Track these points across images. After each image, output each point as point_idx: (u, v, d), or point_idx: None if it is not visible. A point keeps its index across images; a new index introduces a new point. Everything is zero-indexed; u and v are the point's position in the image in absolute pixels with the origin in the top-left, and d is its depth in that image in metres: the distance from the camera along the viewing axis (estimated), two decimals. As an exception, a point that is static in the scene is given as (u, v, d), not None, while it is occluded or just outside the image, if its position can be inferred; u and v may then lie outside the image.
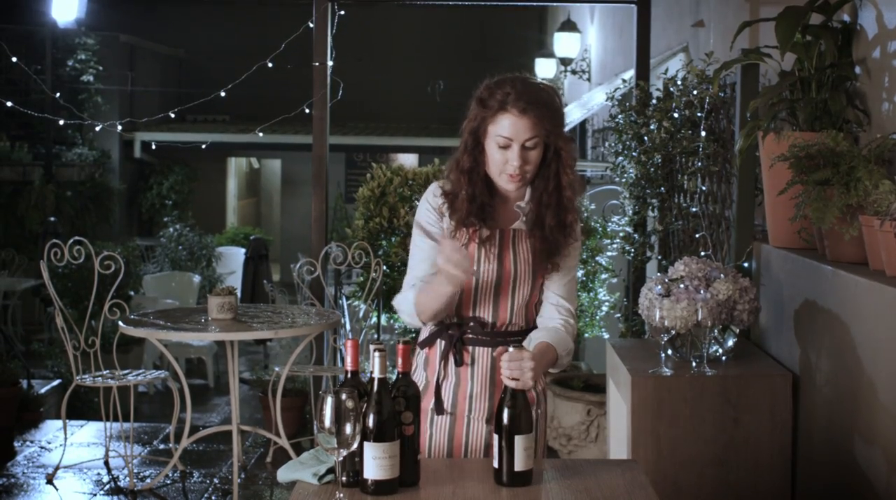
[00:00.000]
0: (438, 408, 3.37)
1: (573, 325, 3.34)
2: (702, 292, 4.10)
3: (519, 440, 2.84)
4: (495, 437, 2.88)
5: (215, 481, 6.76)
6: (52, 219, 15.61)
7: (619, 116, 6.49)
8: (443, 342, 3.38)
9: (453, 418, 3.36)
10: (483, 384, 3.35)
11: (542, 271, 3.34)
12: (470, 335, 3.35)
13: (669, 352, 4.27)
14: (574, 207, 3.32)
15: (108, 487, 6.61)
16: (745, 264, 4.83)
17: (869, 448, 3.43)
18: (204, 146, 11.80)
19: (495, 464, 2.88)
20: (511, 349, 2.94)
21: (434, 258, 3.23)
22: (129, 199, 19.77)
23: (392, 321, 8.25)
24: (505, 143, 3.20)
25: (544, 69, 16.00)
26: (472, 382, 3.35)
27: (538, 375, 3.01)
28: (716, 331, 4.23)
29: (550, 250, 3.31)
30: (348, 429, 2.61)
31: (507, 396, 2.88)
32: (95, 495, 6.46)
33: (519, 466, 2.85)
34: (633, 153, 6.32)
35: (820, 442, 3.91)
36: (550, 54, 15.37)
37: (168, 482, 6.71)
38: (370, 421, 2.71)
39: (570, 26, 14.11)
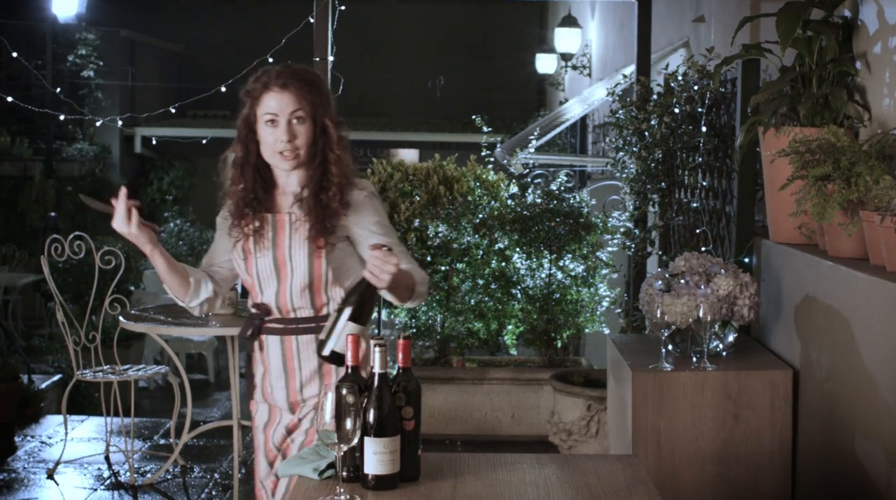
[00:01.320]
0: (250, 392, 3.58)
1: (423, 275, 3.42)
2: (702, 287, 4.10)
3: (347, 322, 3.05)
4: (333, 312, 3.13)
5: (216, 476, 6.76)
6: (53, 214, 15.60)
7: (620, 112, 6.48)
8: (250, 330, 3.51)
9: (267, 407, 3.55)
10: (277, 373, 3.48)
11: (318, 251, 3.38)
12: (267, 324, 3.48)
13: (670, 347, 4.27)
14: (342, 181, 3.40)
15: (108, 482, 6.61)
16: (746, 260, 4.83)
17: (869, 444, 3.43)
18: (204, 141, 11.81)
19: (321, 335, 3.11)
20: (385, 249, 3.07)
21: (215, 250, 3.61)
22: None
23: (392, 316, 8.25)
24: (272, 118, 3.35)
25: (545, 65, 15.99)
26: (270, 369, 3.50)
27: (394, 283, 3.11)
28: (716, 326, 4.23)
29: (326, 224, 3.38)
30: (349, 424, 2.61)
31: (360, 287, 3.08)
32: (96, 489, 6.46)
33: (336, 346, 3.06)
34: (634, 149, 6.32)
35: (820, 438, 3.91)
36: (551, 50, 15.35)
37: (169, 477, 6.71)
38: (370, 416, 2.71)
39: (570, 21, 14.09)
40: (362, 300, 3.08)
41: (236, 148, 3.45)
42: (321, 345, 3.09)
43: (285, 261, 3.41)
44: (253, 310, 3.53)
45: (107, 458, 7.02)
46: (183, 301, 3.53)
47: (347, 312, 3.07)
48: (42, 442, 7.50)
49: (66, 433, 7.01)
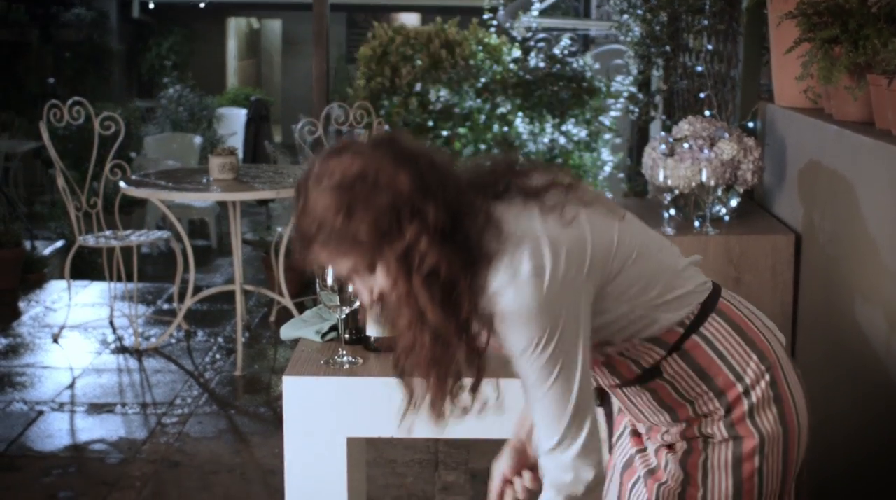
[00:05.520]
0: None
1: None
2: (706, 151, 4.08)
3: None
4: None
5: (219, 340, 6.82)
6: (51, 80, 15.47)
7: (625, -27, 6.38)
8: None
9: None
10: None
11: None
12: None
13: (672, 212, 4.26)
14: None
15: (113, 346, 6.68)
16: (750, 124, 4.79)
17: (870, 308, 3.44)
18: (202, 5, 11.64)
19: None
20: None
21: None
22: (127, 60, 19.57)
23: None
24: None
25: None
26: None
27: None
28: (719, 191, 4.22)
29: None
30: (351, 287, 2.61)
31: None
32: (101, 354, 6.53)
33: None
34: (638, 11, 6.23)
35: (821, 301, 3.93)
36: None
37: (172, 341, 6.77)
38: (371, 278, 2.67)
39: None
40: None
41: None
42: None
43: None
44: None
45: (111, 322, 7.09)
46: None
47: None
48: (46, 307, 7.55)
49: (70, 299, 7.05)
